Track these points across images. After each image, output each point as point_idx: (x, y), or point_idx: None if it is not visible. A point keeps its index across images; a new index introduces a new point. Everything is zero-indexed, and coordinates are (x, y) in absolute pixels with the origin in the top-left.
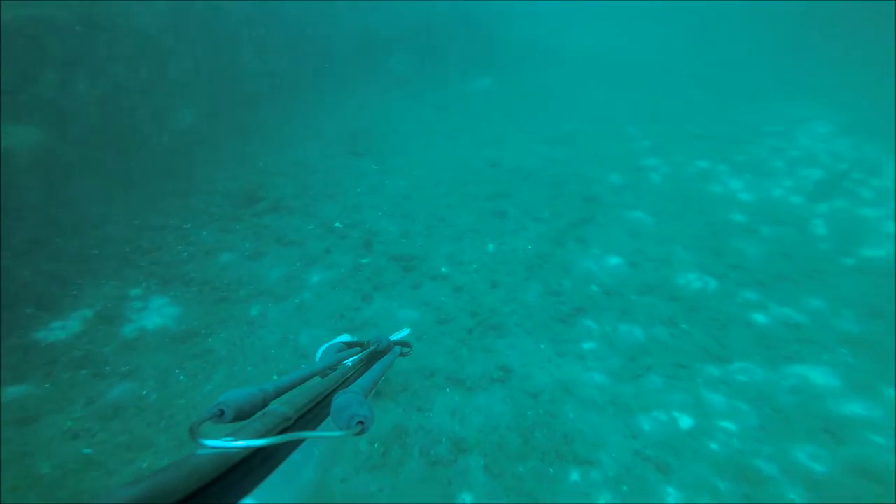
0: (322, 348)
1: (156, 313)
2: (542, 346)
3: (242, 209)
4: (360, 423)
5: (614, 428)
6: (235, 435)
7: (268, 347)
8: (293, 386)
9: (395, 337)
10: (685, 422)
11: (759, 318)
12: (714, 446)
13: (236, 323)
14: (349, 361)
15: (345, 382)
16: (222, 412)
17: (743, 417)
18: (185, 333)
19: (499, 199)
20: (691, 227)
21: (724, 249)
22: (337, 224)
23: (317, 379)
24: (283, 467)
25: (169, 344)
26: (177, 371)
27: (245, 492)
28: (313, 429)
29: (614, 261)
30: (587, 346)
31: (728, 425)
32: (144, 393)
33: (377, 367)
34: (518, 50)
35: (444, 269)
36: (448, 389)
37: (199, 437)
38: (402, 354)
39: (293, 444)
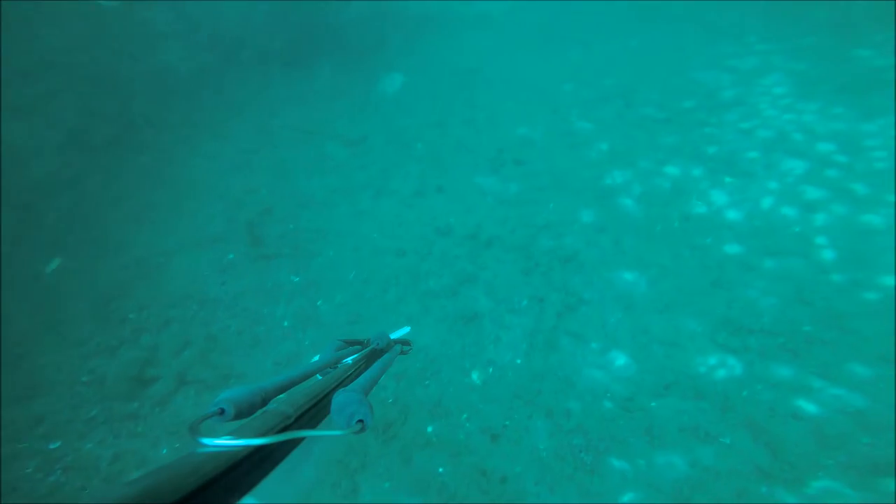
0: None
1: None
2: None
3: (132, 399)
4: (360, 421)
5: None
6: (235, 433)
7: None
8: (293, 384)
9: (395, 335)
10: None
11: (809, 407)
12: None
13: None
14: (349, 360)
15: (345, 381)
16: (222, 410)
17: None
18: None
19: (464, 291)
20: (687, 280)
21: (733, 307)
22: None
23: (317, 377)
24: (283, 466)
25: None
26: None
27: (245, 490)
28: (313, 427)
29: (620, 359)
30: (626, 498)
31: None
32: None
33: (377, 366)
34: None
35: (430, 429)
36: None
37: (199, 435)
38: (402, 353)
39: (293, 443)
